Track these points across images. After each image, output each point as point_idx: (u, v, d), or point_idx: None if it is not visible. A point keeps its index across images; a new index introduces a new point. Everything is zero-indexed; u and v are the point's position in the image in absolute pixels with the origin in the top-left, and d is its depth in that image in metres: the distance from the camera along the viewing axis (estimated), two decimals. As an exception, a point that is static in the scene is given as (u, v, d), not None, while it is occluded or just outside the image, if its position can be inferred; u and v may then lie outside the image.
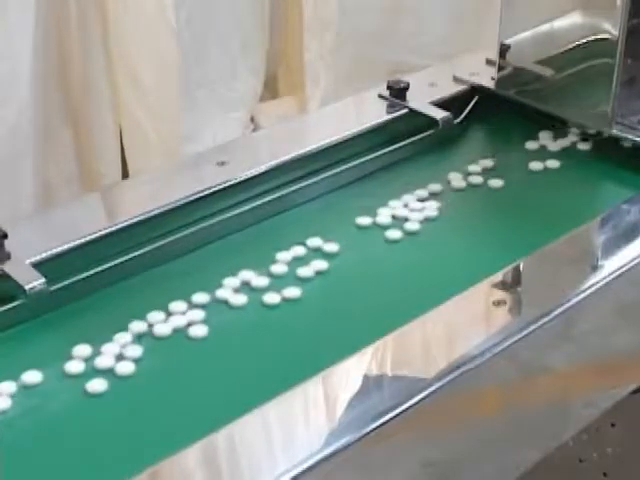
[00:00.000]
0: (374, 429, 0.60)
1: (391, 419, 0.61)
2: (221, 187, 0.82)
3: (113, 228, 0.78)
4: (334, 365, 0.65)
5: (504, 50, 0.98)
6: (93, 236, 0.77)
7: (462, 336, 0.69)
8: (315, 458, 0.58)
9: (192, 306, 0.74)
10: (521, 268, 0.77)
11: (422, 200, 0.86)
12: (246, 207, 0.83)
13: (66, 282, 0.74)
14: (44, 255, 0.74)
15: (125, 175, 1.34)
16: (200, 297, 0.74)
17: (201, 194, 0.81)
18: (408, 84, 0.95)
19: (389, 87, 0.96)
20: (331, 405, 0.64)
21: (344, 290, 0.77)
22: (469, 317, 0.72)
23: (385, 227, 0.83)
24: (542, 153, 0.94)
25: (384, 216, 0.84)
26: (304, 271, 0.78)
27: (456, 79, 0.99)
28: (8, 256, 0.73)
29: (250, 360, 0.69)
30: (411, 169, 0.91)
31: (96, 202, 0.88)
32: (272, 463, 0.59)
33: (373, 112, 0.95)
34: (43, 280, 0.72)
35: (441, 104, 0.95)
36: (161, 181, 0.88)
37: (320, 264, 0.78)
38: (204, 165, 0.86)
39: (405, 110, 0.94)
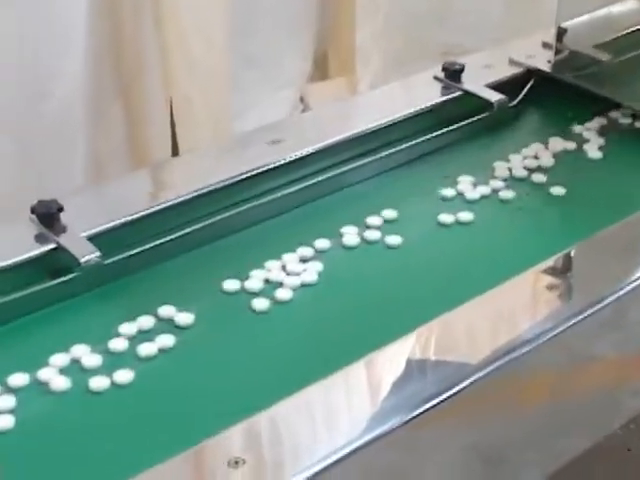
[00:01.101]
0: (418, 415, 0.60)
1: (435, 405, 0.61)
2: (275, 166, 0.82)
3: (167, 204, 0.78)
4: (378, 350, 0.65)
5: (561, 33, 0.97)
6: (147, 211, 0.77)
7: (511, 322, 0.69)
8: (357, 443, 0.58)
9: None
10: (572, 255, 0.76)
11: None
12: (299, 186, 0.83)
13: (120, 256, 0.74)
14: (99, 229, 0.75)
15: (174, 152, 1.35)
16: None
17: (255, 172, 0.81)
18: (463, 66, 0.94)
19: (444, 69, 0.95)
20: (374, 390, 0.63)
21: (399, 270, 0.76)
22: (519, 303, 0.71)
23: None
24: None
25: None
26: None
27: (512, 62, 0.98)
28: (64, 229, 0.74)
29: (305, 336, 0.70)
30: (464, 152, 0.90)
31: (150, 177, 0.88)
32: (314, 447, 0.59)
33: (427, 94, 0.94)
34: (98, 253, 0.72)
35: (496, 87, 0.94)
36: (214, 158, 0.88)
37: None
38: (257, 143, 0.86)
39: (460, 92, 0.93)
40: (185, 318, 0.70)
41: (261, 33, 1.50)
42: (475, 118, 0.93)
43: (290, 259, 0.76)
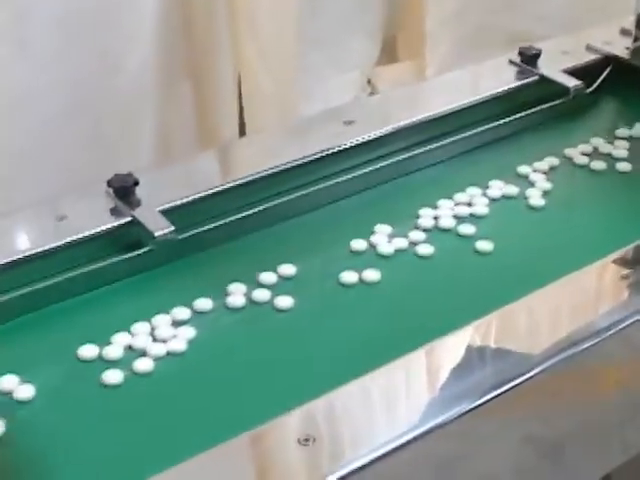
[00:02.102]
0: (478, 405, 0.59)
1: (495, 397, 0.60)
2: (350, 145, 0.82)
3: (243, 180, 0.78)
4: (439, 339, 0.64)
5: (641, 20, 0.96)
6: (221, 188, 0.77)
7: (574, 315, 0.68)
8: (417, 431, 0.57)
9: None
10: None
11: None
12: (372, 167, 0.82)
13: (193, 232, 0.75)
14: (173, 204, 0.75)
15: (241, 132, 1.35)
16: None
17: (330, 151, 0.81)
18: (540, 51, 0.93)
19: (520, 53, 0.94)
20: (434, 379, 0.63)
21: (472, 256, 0.76)
22: (582, 296, 0.70)
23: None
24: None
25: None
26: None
27: (589, 48, 0.97)
28: (138, 203, 0.75)
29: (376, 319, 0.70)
30: (540, 137, 0.90)
31: (221, 156, 0.88)
32: (372, 434, 0.58)
33: (502, 78, 0.93)
34: (172, 228, 0.72)
35: (573, 72, 0.93)
36: (290, 136, 0.88)
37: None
38: (331, 123, 0.86)
39: (536, 77, 0.92)
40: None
41: (329, 15, 1.50)
42: (550, 104, 0.92)
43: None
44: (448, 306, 0.70)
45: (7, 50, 1.12)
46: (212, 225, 0.76)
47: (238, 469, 0.57)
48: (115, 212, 0.74)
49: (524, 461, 0.65)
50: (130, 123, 1.25)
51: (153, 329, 0.68)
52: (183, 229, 0.74)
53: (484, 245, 0.76)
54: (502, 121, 0.89)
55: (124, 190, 0.74)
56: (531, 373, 0.61)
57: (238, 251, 0.76)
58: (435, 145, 0.85)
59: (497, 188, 0.82)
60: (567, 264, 0.71)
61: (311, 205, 0.79)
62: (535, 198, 0.81)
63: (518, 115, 0.90)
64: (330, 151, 0.81)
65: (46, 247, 0.71)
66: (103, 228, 0.73)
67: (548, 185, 0.83)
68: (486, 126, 0.88)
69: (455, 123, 0.87)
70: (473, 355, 0.64)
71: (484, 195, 0.81)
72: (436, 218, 0.79)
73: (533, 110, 0.91)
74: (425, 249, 0.76)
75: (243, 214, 0.77)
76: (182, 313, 0.69)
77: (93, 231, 0.72)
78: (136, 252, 0.73)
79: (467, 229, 0.78)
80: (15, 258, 0.70)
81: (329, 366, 0.65)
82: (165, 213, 0.74)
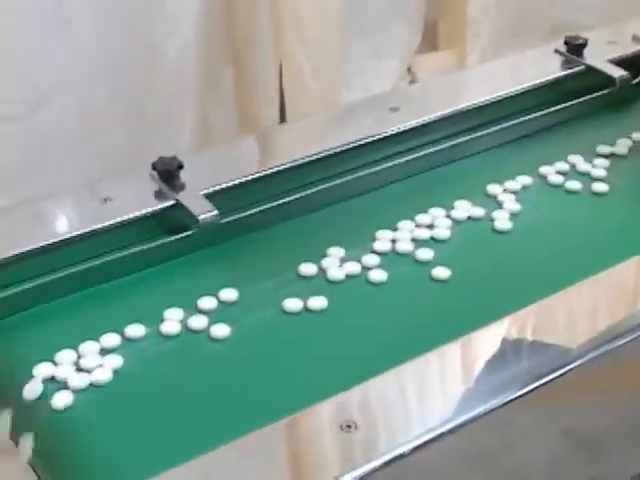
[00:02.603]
0: (516, 397, 0.59)
1: (533, 389, 0.60)
2: (396, 132, 0.82)
3: (287, 166, 0.78)
4: (476, 330, 0.64)
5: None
6: (264, 173, 0.77)
7: (617, 307, 0.67)
8: (453, 423, 0.57)
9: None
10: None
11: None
12: (418, 154, 0.82)
13: (236, 216, 0.75)
14: (217, 188, 0.75)
15: (281, 119, 1.35)
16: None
17: (376, 137, 0.81)
18: (586, 40, 0.93)
19: (566, 42, 0.93)
20: (470, 371, 0.62)
21: (427, 283, 0.71)
22: (625, 288, 0.70)
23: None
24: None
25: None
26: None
27: (636, 38, 0.96)
28: (182, 186, 0.75)
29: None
30: (584, 128, 0.89)
31: (265, 141, 0.88)
32: (407, 425, 0.58)
33: (546, 67, 0.92)
34: (216, 212, 0.72)
35: (619, 63, 0.92)
36: (336, 122, 0.87)
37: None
38: (375, 110, 0.86)
39: (581, 67, 0.92)
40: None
41: (371, 2, 1.49)
42: (596, 94, 0.91)
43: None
44: (396, 338, 0.66)
45: (51, 34, 1.12)
46: (255, 210, 0.76)
47: (276, 455, 0.57)
48: (159, 195, 0.74)
49: (559, 455, 0.65)
50: (171, 108, 1.25)
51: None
52: (226, 213, 0.74)
53: (440, 272, 0.71)
54: (542, 112, 0.88)
55: (168, 173, 0.75)
56: (568, 367, 0.61)
57: (279, 237, 0.76)
58: (469, 137, 0.85)
59: (463, 209, 0.78)
60: (528, 294, 0.67)
61: (344, 194, 0.79)
62: (501, 221, 0.77)
63: (561, 106, 0.89)
64: (374, 138, 0.81)
65: (90, 229, 0.71)
66: (147, 211, 0.73)
67: (517, 206, 0.78)
68: (528, 116, 0.87)
69: (494, 114, 0.87)
70: (509, 348, 0.64)
71: (448, 216, 0.77)
72: (394, 241, 0.74)
73: (577, 100, 0.90)
74: (378, 275, 0.71)
75: (285, 200, 0.77)
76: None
77: (137, 213, 0.73)
78: (179, 235, 0.73)
79: (425, 254, 0.73)
80: (60, 239, 0.70)
81: (261, 404, 0.61)
82: (208, 197, 0.74)
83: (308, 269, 0.72)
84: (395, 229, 0.75)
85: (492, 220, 0.77)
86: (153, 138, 1.23)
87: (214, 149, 0.92)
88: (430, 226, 0.76)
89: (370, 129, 0.82)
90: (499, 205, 0.78)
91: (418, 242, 0.74)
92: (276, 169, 0.78)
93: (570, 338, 0.64)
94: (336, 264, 0.72)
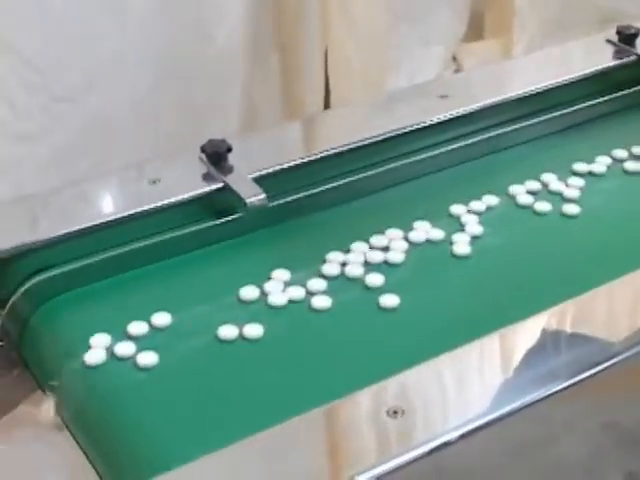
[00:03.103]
0: (557, 391, 0.58)
1: (576, 382, 0.59)
2: (446, 119, 0.81)
3: (336, 150, 0.78)
4: (516, 322, 0.63)
5: None
6: (313, 157, 0.77)
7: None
8: (492, 415, 0.57)
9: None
10: None
11: None
12: (465, 142, 0.82)
13: (284, 200, 0.75)
14: (265, 171, 0.75)
15: (326, 104, 1.35)
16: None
17: (425, 124, 0.81)
18: (639, 30, 0.92)
19: (618, 32, 0.92)
20: (511, 363, 0.62)
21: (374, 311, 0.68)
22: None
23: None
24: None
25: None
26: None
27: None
28: (231, 169, 0.75)
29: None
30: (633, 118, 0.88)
31: (315, 126, 0.89)
32: (450, 414, 0.58)
33: (596, 57, 0.92)
34: (264, 195, 0.72)
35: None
36: (384, 108, 0.87)
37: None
38: (425, 97, 0.85)
39: (633, 57, 0.91)
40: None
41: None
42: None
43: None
44: (335, 371, 0.63)
45: (106, 20, 1.14)
46: (302, 194, 0.76)
47: (319, 440, 0.57)
48: (207, 178, 0.75)
49: (598, 449, 0.64)
50: (218, 92, 1.26)
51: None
52: (273, 197, 0.74)
53: (388, 300, 0.67)
54: (591, 102, 0.87)
55: (217, 156, 0.75)
56: (610, 362, 0.60)
57: (327, 222, 0.76)
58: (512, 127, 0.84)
59: (422, 231, 0.74)
60: (478, 326, 0.63)
61: (397, 180, 0.79)
62: (460, 245, 0.73)
63: (610, 96, 0.88)
64: (424, 124, 0.81)
65: (138, 210, 0.72)
66: (195, 193, 0.73)
67: (479, 229, 0.74)
68: (578, 105, 0.86)
69: (542, 103, 0.86)
70: (550, 341, 0.63)
71: (405, 238, 0.73)
72: (344, 264, 0.71)
73: (628, 91, 0.89)
74: (321, 302, 0.68)
75: (335, 184, 0.77)
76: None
77: (185, 196, 0.73)
78: (227, 218, 0.73)
79: (374, 279, 0.69)
80: (109, 219, 0.71)
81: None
82: (256, 180, 0.74)
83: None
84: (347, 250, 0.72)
85: (451, 244, 0.73)
86: (200, 122, 1.24)
87: (261, 133, 0.92)
88: (385, 248, 0.72)
89: (419, 116, 0.82)
90: (461, 227, 0.74)
91: (370, 266, 0.71)
92: (325, 154, 0.78)
93: (611, 332, 0.63)
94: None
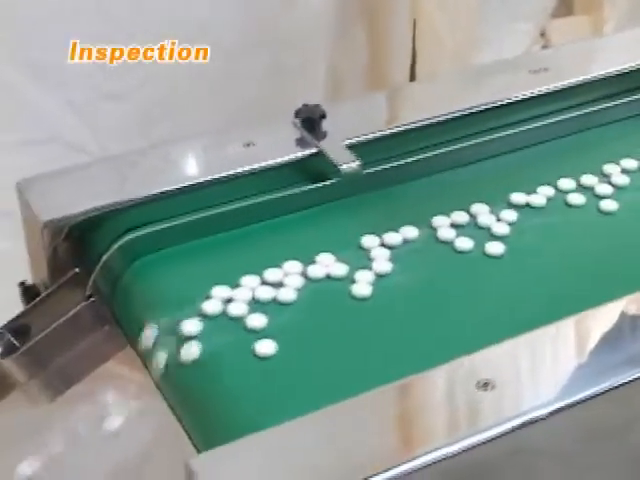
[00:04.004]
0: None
1: None
2: (540, 94, 0.80)
3: (433, 120, 0.77)
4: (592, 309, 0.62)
5: None
6: (405, 127, 0.76)
7: None
8: (581, 394, 0.56)
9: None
10: None
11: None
12: (558, 118, 0.80)
13: (377, 168, 0.74)
14: (359, 139, 0.75)
15: (412, 77, 1.34)
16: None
17: (517, 98, 0.80)
18: None
19: None
20: (589, 348, 0.60)
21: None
22: None
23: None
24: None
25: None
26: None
27: None
28: (324, 135, 0.74)
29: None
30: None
31: (401, 96, 0.88)
32: (540, 391, 0.57)
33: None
34: (358, 162, 0.72)
35: None
36: (468, 83, 0.86)
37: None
38: (518, 71, 0.84)
39: None
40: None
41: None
42: None
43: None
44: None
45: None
46: (395, 163, 0.75)
47: (410, 409, 0.57)
48: (301, 143, 0.74)
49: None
50: (303, 61, 1.26)
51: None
52: (368, 165, 0.73)
53: (264, 347, 0.62)
54: None
55: (311, 122, 0.74)
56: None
57: (417, 192, 0.75)
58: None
59: (322, 265, 0.68)
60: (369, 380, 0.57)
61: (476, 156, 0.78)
62: (361, 285, 0.66)
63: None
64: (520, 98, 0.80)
65: (233, 172, 0.72)
66: (289, 158, 0.73)
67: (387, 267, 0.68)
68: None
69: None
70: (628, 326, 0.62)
71: (302, 274, 0.67)
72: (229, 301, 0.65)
73: None
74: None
75: (427, 154, 0.76)
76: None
77: (279, 159, 0.73)
78: (320, 184, 0.73)
79: (255, 321, 0.63)
80: (203, 180, 0.71)
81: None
82: (352, 147, 0.73)
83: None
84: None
85: (353, 282, 0.66)
86: (284, 91, 1.24)
87: (352, 101, 0.91)
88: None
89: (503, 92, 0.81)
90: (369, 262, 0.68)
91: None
92: (420, 124, 0.77)
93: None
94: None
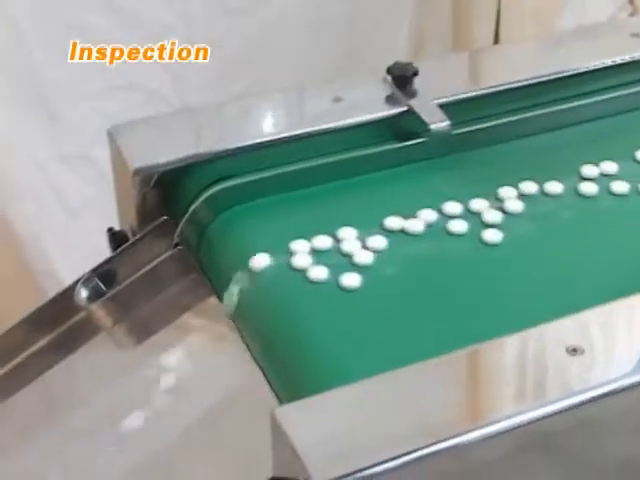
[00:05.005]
0: None
1: None
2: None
3: (526, 83, 0.76)
4: None
5: None
6: (499, 88, 0.75)
7: None
8: None
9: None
10: None
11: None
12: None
13: (467, 129, 0.73)
14: (450, 98, 0.74)
15: (496, 40, 1.32)
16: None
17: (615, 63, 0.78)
18: None
19: None
20: None
21: None
22: None
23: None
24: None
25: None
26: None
27: None
28: (415, 94, 0.74)
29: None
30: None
31: (495, 57, 0.86)
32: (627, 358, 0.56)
33: None
34: (448, 122, 0.71)
35: None
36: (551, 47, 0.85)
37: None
38: (618, 34, 0.83)
39: None
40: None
41: None
42: None
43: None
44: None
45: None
46: (485, 125, 0.74)
47: (501, 370, 0.56)
48: (391, 100, 0.74)
49: None
50: (386, 21, 1.25)
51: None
52: (458, 125, 0.73)
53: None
54: None
55: (403, 79, 0.74)
56: None
57: (505, 155, 0.74)
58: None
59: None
60: None
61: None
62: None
63: None
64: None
65: (322, 127, 0.71)
66: (379, 114, 0.72)
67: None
68: None
69: None
70: None
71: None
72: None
73: None
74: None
75: (519, 117, 0.75)
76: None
77: (369, 116, 0.72)
78: (409, 142, 0.72)
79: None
80: (294, 133, 0.71)
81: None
82: (443, 107, 0.72)
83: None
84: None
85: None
86: (366, 50, 1.23)
87: (440, 61, 0.90)
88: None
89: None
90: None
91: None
92: (511, 86, 0.76)
93: None
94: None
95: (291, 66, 1.18)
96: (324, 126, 0.71)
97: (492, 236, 0.66)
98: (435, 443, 0.49)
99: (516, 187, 0.70)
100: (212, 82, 1.17)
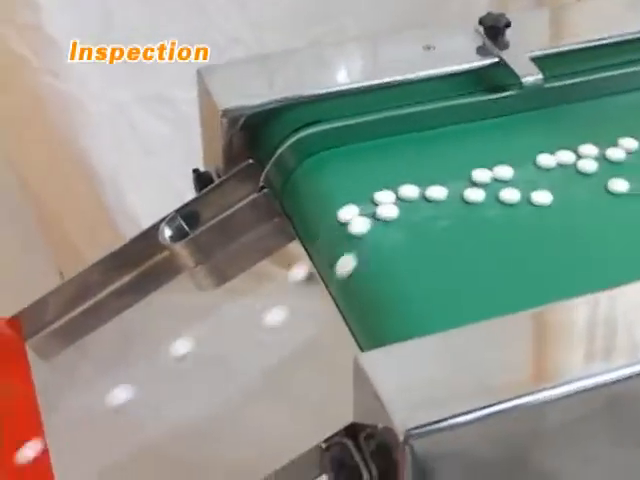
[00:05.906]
0: None
1: None
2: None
3: (621, 38, 0.74)
4: None
5: None
6: (590, 44, 0.74)
7: None
8: None
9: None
10: None
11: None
12: None
13: (560, 83, 0.72)
14: (543, 52, 0.73)
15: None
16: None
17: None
18: None
19: None
20: None
21: None
22: None
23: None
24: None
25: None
26: None
27: None
28: (507, 45, 0.72)
29: None
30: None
31: (586, 12, 0.85)
32: None
33: None
34: (540, 75, 0.70)
35: None
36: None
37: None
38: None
39: None
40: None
41: None
42: None
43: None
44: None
45: None
46: (577, 79, 0.73)
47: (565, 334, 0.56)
48: (482, 51, 0.73)
49: None
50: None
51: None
52: (551, 79, 0.71)
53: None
54: None
55: (495, 30, 0.72)
56: None
57: (595, 111, 0.73)
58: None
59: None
60: None
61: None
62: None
63: None
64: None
65: (412, 75, 0.70)
66: (470, 65, 0.71)
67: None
68: None
69: None
70: None
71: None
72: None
73: None
74: None
75: (610, 73, 0.73)
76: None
77: (460, 66, 0.71)
78: (500, 94, 0.71)
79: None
80: (382, 81, 0.70)
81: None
82: (535, 60, 0.71)
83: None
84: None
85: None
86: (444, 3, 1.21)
87: (530, 13, 0.89)
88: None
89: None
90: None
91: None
92: (606, 41, 0.74)
93: None
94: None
95: (370, 15, 1.17)
96: (415, 74, 0.71)
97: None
98: (517, 397, 0.49)
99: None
100: (287, 26, 1.16)
